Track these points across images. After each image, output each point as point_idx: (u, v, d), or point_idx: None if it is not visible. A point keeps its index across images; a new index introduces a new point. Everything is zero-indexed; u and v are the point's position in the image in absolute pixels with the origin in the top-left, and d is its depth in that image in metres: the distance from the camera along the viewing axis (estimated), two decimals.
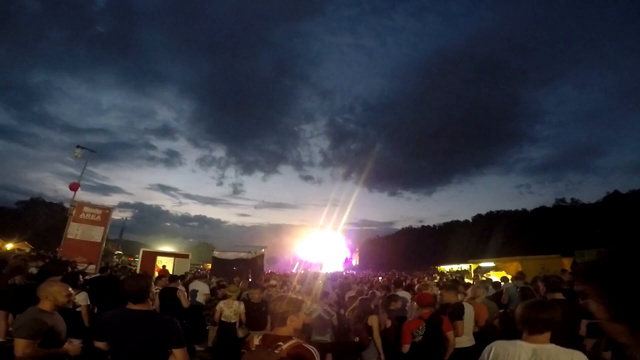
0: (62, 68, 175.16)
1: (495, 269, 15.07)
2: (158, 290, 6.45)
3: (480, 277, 12.97)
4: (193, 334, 6.49)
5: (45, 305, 2.82)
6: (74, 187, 12.37)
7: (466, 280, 11.50)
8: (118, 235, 45.04)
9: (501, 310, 5.51)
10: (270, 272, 19.16)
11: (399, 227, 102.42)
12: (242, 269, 12.21)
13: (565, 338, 1.89)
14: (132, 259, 25.40)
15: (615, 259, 0.71)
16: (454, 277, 14.18)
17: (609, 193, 54.93)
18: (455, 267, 23.45)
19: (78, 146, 13.55)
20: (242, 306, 5.76)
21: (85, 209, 11.10)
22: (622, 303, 0.67)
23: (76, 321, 4.26)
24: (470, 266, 18.08)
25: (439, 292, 5.37)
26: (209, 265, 17.23)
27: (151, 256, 13.34)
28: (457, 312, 4.26)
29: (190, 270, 13.79)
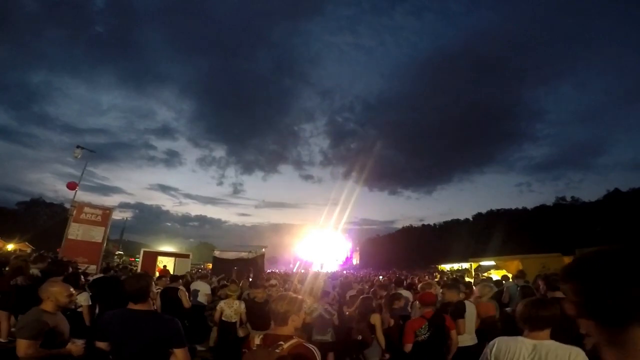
0: (61, 68, 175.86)
1: (496, 267, 15.06)
2: (159, 290, 6.45)
3: (480, 275, 12.98)
4: (194, 334, 6.50)
5: (47, 305, 2.83)
6: (71, 186, 12.36)
7: (467, 279, 11.49)
8: (119, 236, 45.08)
9: (508, 309, 5.52)
10: (271, 271, 19.18)
11: (399, 226, 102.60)
12: (243, 269, 12.21)
13: (565, 335, 1.91)
14: (133, 259, 25.42)
15: (588, 261, 0.77)
16: (454, 276, 14.18)
17: (609, 191, 54.97)
18: (455, 265, 23.43)
19: (78, 146, 13.56)
20: (243, 306, 5.76)
21: (86, 209, 11.11)
22: (591, 302, 0.73)
23: (78, 321, 4.27)
24: (470, 265, 18.06)
25: (441, 290, 5.38)
26: (210, 265, 17.24)
27: (152, 256, 13.36)
28: (458, 310, 4.26)
29: (191, 270, 13.80)
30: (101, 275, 7.23)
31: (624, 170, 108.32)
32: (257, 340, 2.10)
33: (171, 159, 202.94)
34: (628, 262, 0.71)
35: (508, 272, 12.46)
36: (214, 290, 8.00)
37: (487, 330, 4.48)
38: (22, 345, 2.59)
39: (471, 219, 75.55)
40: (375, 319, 4.76)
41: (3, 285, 4.43)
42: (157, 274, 9.97)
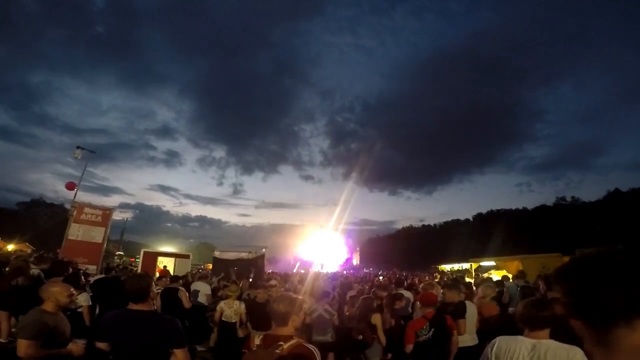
0: (62, 69, 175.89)
1: (496, 267, 15.05)
2: (159, 291, 6.46)
3: (480, 276, 12.97)
4: (195, 334, 6.50)
5: (48, 306, 2.84)
6: (70, 187, 12.37)
7: (467, 280, 11.49)
8: (119, 236, 45.11)
9: (511, 309, 5.53)
10: (271, 272, 19.18)
11: (399, 226, 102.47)
12: (243, 269, 12.21)
13: (564, 335, 1.93)
14: (133, 260, 25.43)
15: (578, 264, 0.82)
16: (454, 276, 14.18)
17: (609, 191, 54.95)
18: (456, 266, 23.42)
19: (78, 147, 13.57)
20: (243, 306, 5.76)
21: (86, 209, 11.12)
22: (579, 303, 0.78)
23: (78, 322, 4.27)
24: (471, 265, 18.05)
25: (441, 291, 5.38)
26: (210, 266, 17.24)
27: (152, 257, 13.36)
28: (459, 310, 4.26)
29: (192, 271, 13.81)
30: (102, 276, 7.22)
31: (624, 170, 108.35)
32: (257, 341, 2.10)
33: (171, 159, 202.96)
34: (613, 266, 0.76)
35: (508, 272, 12.47)
36: (214, 291, 8.01)
37: (488, 331, 4.48)
38: (23, 345, 2.60)
39: (471, 219, 75.53)
40: (376, 319, 4.76)
41: (3, 285, 4.43)
42: (157, 274, 9.97)
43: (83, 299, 4.79)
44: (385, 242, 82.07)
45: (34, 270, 5.39)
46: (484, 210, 75.02)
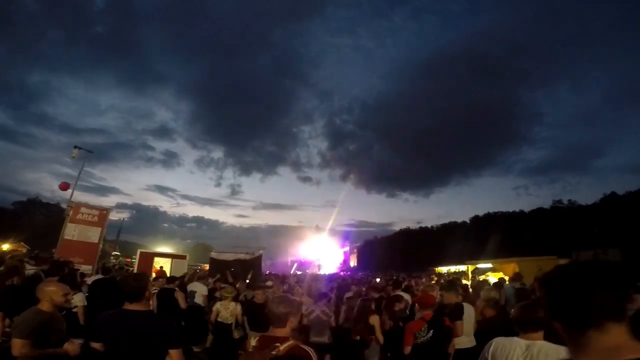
0: (60, 68, 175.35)
1: (493, 270, 15.10)
2: (156, 291, 6.43)
3: (477, 278, 13.00)
4: (191, 335, 6.48)
5: (43, 305, 2.83)
6: (64, 187, 12.30)
7: (463, 282, 11.51)
8: (115, 236, 44.92)
9: (514, 310, 5.55)
10: (269, 273, 19.14)
11: (396, 228, 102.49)
12: (240, 270, 12.18)
13: (558, 336, 1.97)
14: (129, 260, 25.32)
15: (558, 272, 0.94)
16: (450, 278, 14.20)
17: (605, 194, 55.08)
18: (453, 268, 23.46)
19: (75, 147, 13.52)
20: (239, 307, 5.75)
21: (82, 209, 11.07)
22: (557, 308, 0.89)
23: (73, 322, 4.25)
24: (467, 267, 18.09)
25: (439, 292, 5.39)
26: (207, 267, 17.21)
27: (148, 257, 13.30)
28: (456, 312, 4.27)
29: (188, 271, 13.77)
30: (100, 276, 7.18)
31: (621, 173, 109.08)
32: (253, 342, 2.10)
33: (169, 159, 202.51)
34: (589, 275, 0.87)
35: (505, 274, 12.50)
36: (210, 292, 7.97)
37: (486, 332, 4.49)
38: (17, 345, 2.58)
39: (468, 222, 75.72)
40: (374, 320, 4.77)
41: None
42: (154, 274, 9.93)
43: (78, 299, 4.77)
44: (382, 244, 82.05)
45: (30, 270, 5.35)
46: (481, 213, 75.29)
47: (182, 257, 14.87)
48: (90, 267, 10.16)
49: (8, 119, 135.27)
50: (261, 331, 2.20)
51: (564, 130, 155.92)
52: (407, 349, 3.65)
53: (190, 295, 7.22)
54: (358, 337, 5.03)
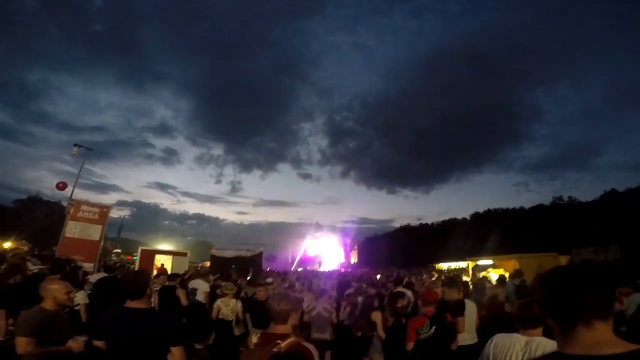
0: (59, 67, 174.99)
1: (493, 266, 15.14)
2: (157, 289, 6.45)
3: (477, 274, 13.03)
4: (193, 332, 6.50)
5: (47, 304, 2.85)
6: (61, 187, 12.30)
7: (464, 278, 11.54)
8: (116, 234, 44.95)
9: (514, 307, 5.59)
10: (269, 270, 19.20)
11: (397, 224, 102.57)
12: (241, 267, 12.21)
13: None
14: (130, 257, 25.37)
15: (553, 273, 1.06)
16: (450, 275, 14.23)
17: (605, 191, 55.03)
18: (453, 264, 23.50)
19: (75, 144, 13.52)
20: (240, 304, 5.77)
21: (83, 207, 11.09)
22: (551, 306, 1.02)
23: (75, 320, 4.27)
24: (468, 264, 18.13)
25: (441, 289, 5.41)
26: (207, 264, 17.26)
27: (150, 254, 13.34)
28: (458, 308, 4.28)
29: (188, 269, 13.82)
30: (104, 274, 7.18)
31: (621, 170, 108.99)
32: (254, 339, 2.11)
33: (169, 157, 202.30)
34: (580, 276, 0.99)
35: (505, 271, 12.53)
36: (212, 289, 7.99)
37: (487, 328, 4.50)
38: (22, 343, 2.60)
39: (469, 218, 75.76)
40: (376, 316, 4.79)
41: (0, 283, 4.41)
42: (155, 272, 9.95)
43: (80, 297, 4.78)
44: (383, 241, 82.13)
45: (33, 268, 5.38)
46: (481, 209, 75.36)
47: (183, 255, 14.91)
48: (91, 264, 10.19)
49: (8, 118, 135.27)
50: (264, 328, 2.21)
51: (564, 127, 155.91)
52: (410, 345, 3.67)
53: (191, 293, 7.25)
54: (359, 334, 5.05)
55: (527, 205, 67.41)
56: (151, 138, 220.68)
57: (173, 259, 13.70)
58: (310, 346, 2.02)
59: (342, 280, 10.69)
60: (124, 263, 17.84)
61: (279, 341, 1.97)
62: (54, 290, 2.89)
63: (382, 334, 4.61)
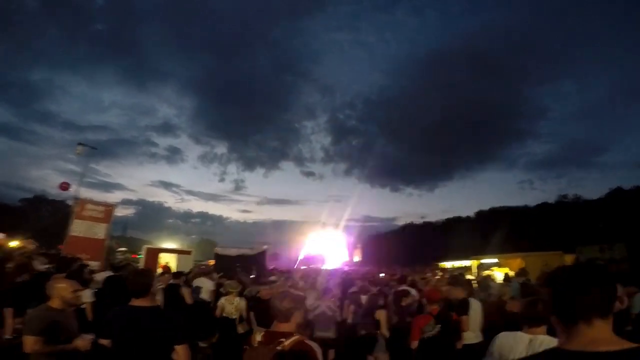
0: (62, 66, 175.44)
1: (498, 265, 15.08)
2: (162, 287, 6.49)
3: (481, 273, 12.98)
4: (197, 331, 6.55)
5: (54, 302, 2.88)
6: (64, 188, 12.37)
7: (468, 277, 11.50)
8: (121, 232, 45.23)
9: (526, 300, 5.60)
10: (273, 268, 19.23)
11: (401, 223, 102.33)
12: (245, 266, 12.25)
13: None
14: (135, 256, 25.51)
15: (559, 273, 1.13)
16: (455, 274, 14.18)
17: (611, 189, 54.54)
18: (457, 263, 23.46)
19: (80, 144, 13.63)
20: (244, 302, 5.79)
21: (88, 205, 11.19)
22: (555, 302, 1.08)
23: (80, 318, 4.30)
24: (472, 262, 18.06)
25: (445, 288, 5.40)
26: (211, 262, 17.34)
27: (154, 253, 13.43)
28: (462, 307, 4.27)
29: (193, 267, 13.88)
30: (111, 273, 7.22)
31: (627, 168, 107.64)
32: (258, 337, 2.12)
33: (173, 155, 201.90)
34: (582, 276, 1.05)
35: (510, 269, 12.47)
36: (217, 287, 8.03)
37: (493, 327, 4.49)
38: (29, 342, 2.63)
39: (473, 216, 75.49)
40: (381, 314, 4.80)
41: (8, 282, 4.47)
42: (160, 270, 10.01)
43: (86, 296, 4.82)
44: (386, 239, 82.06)
45: (41, 267, 5.43)
46: (485, 207, 75.02)
47: (187, 253, 15.00)
48: (97, 263, 10.27)
49: (12, 117, 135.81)
50: (268, 327, 2.22)
51: (570, 124, 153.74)
52: (414, 344, 3.67)
53: (195, 291, 7.29)
54: (363, 332, 5.06)
55: (531, 203, 66.92)
56: (155, 137, 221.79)
57: (177, 257, 13.79)
58: (313, 344, 2.02)
59: (346, 278, 10.69)
60: (129, 262, 17.96)
61: (282, 339, 1.98)
62: (61, 289, 2.92)
63: (386, 333, 4.62)
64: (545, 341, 2.07)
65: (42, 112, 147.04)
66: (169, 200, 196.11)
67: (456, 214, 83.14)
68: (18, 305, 3.58)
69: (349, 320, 5.93)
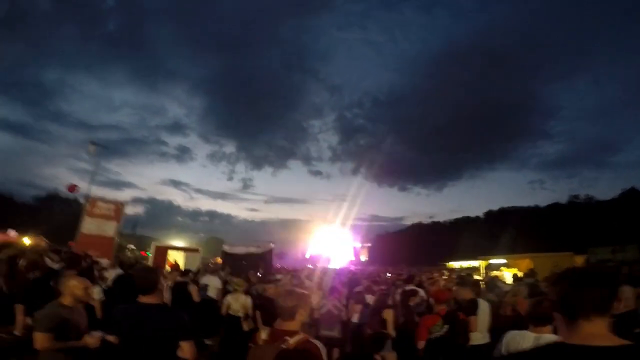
0: (75, 66, 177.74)
1: (507, 265, 14.92)
2: (170, 284, 6.56)
3: (489, 273, 12.85)
4: (204, 328, 6.60)
5: (65, 299, 2.93)
6: (71, 189, 12.53)
7: (475, 278, 11.40)
8: (131, 230, 45.81)
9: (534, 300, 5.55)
10: (280, 266, 19.31)
11: (408, 222, 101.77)
12: (251, 264, 12.31)
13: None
14: (144, 253, 25.82)
15: (565, 273, 1.23)
16: (463, 274, 14.07)
17: (624, 189, 53.52)
18: (465, 263, 23.26)
19: (92, 142, 13.86)
20: (249, 300, 5.82)
21: (99, 203, 11.37)
22: (559, 300, 1.18)
23: (90, 315, 4.37)
24: (480, 263, 17.89)
25: (454, 288, 5.36)
26: (219, 260, 17.47)
27: (163, 251, 13.56)
28: (470, 308, 4.24)
29: (200, 265, 14.00)
30: (121, 271, 7.31)
31: None
32: (263, 335, 2.13)
33: (182, 154, 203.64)
34: (585, 276, 1.16)
35: (519, 270, 12.34)
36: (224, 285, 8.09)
37: (501, 327, 4.45)
38: (39, 338, 2.68)
39: (482, 216, 74.79)
40: (388, 314, 4.79)
41: (19, 279, 4.55)
42: (168, 268, 10.12)
43: (96, 293, 4.89)
44: (393, 239, 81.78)
45: (54, 265, 5.52)
46: (495, 207, 74.24)
47: (195, 251, 15.12)
48: (107, 260, 10.42)
49: (25, 116, 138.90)
50: (272, 325, 2.23)
51: (582, 124, 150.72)
52: (421, 344, 3.66)
53: (202, 288, 7.35)
54: (369, 331, 5.04)
55: (542, 204, 66.07)
56: (165, 136, 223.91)
57: (185, 255, 13.91)
58: (318, 343, 2.02)
59: (352, 277, 10.68)
60: (138, 259, 18.18)
61: (287, 338, 1.98)
62: (73, 287, 2.97)
63: (393, 332, 4.60)
64: (551, 340, 2.07)
65: (54, 112, 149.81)
66: (178, 198, 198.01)
67: (465, 214, 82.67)
68: (29, 302, 3.63)
69: (354, 320, 5.93)
